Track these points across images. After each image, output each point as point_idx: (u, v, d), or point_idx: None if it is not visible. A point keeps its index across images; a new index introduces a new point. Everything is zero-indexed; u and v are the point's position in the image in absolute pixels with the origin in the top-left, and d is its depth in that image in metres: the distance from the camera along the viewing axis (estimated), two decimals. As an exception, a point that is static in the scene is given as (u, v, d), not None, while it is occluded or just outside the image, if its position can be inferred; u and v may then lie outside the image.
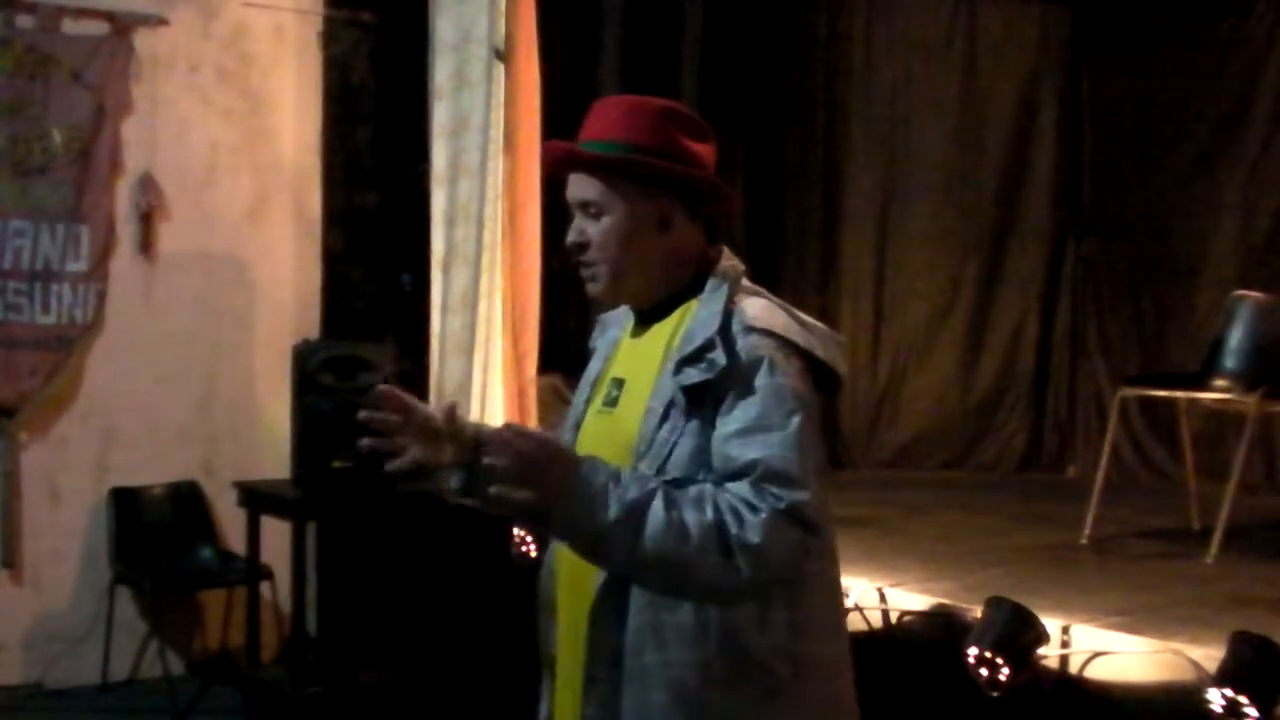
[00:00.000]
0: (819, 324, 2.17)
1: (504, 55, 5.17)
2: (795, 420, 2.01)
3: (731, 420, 2.01)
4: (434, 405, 2.17)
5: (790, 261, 6.98)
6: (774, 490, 1.96)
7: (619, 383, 2.21)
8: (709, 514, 1.94)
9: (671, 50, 6.20)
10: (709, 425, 2.03)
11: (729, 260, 2.20)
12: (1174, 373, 5.50)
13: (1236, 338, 4.95)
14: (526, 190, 5.07)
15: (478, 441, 2.13)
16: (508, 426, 2.04)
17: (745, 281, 2.18)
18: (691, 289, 2.17)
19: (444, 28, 5.52)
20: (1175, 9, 6.77)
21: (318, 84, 6.34)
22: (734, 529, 1.93)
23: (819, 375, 2.11)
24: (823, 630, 2.15)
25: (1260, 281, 5.63)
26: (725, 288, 2.13)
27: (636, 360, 2.20)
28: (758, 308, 2.11)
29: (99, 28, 5.85)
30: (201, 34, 6.08)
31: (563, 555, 2.18)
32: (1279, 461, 6.31)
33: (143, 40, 5.93)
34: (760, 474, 1.96)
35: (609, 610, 2.07)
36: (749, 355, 2.04)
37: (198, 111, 6.08)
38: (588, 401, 2.26)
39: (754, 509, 1.94)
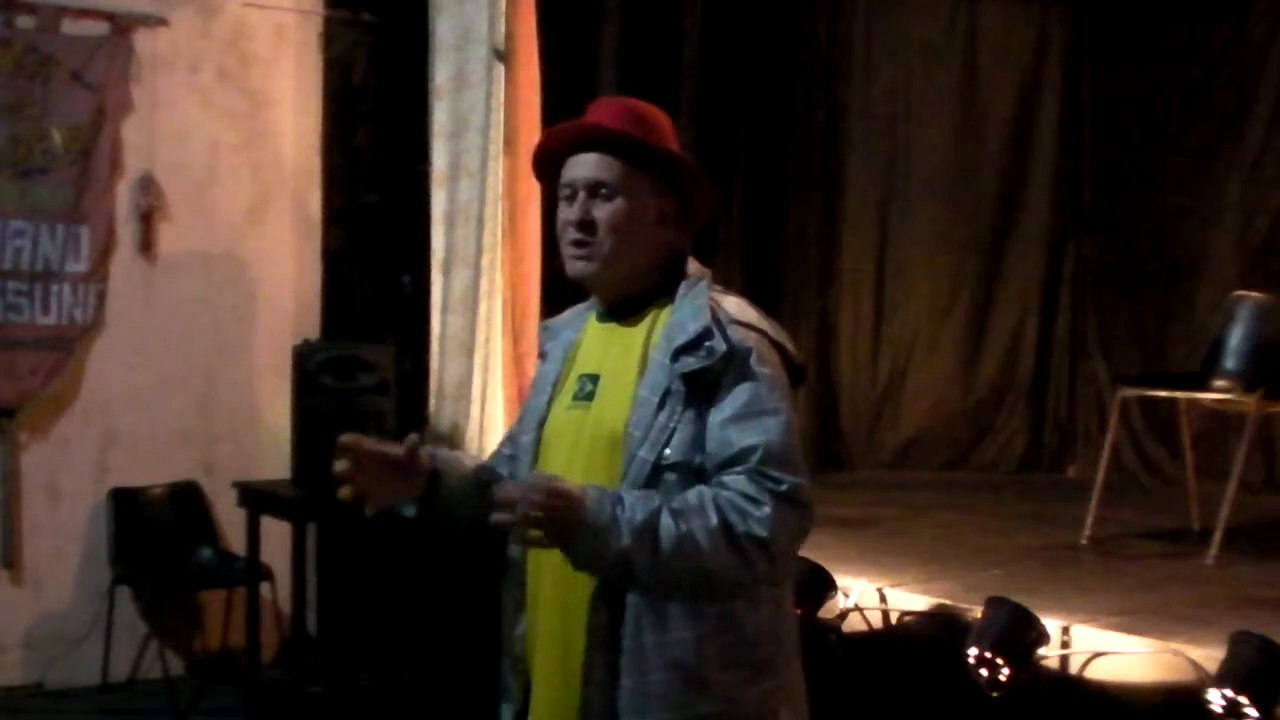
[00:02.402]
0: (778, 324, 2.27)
1: (504, 55, 5.17)
2: (785, 405, 2.12)
3: (726, 406, 2.10)
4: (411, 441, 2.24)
5: (790, 261, 6.97)
6: (774, 474, 2.05)
7: (592, 378, 2.25)
8: (713, 519, 2.02)
9: (671, 50, 6.19)
10: (704, 412, 2.11)
11: (696, 264, 2.29)
12: (1174, 373, 5.50)
13: (1236, 338, 4.95)
14: (526, 190, 5.07)
15: (434, 471, 2.25)
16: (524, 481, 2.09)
17: (714, 284, 2.27)
18: (661, 289, 2.24)
19: (444, 28, 5.52)
20: (1175, 9, 6.77)
21: (318, 84, 6.33)
22: (740, 527, 2.02)
23: (787, 368, 2.21)
24: (791, 612, 2.29)
25: (1260, 281, 5.63)
26: (703, 285, 2.22)
27: (610, 356, 2.25)
28: (735, 305, 2.21)
29: (99, 28, 5.85)
30: (201, 34, 6.08)
31: (544, 551, 2.21)
32: (1279, 461, 6.32)
33: (143, 40, 5.92)
34: (761, 457, 2.05)
35: (608, 594, 2.12)
36: (740, 345, 2.13)
37: (198, 112, 6.08)
38: (550, 400, 2.29)
39: (756, 502, 2.03)
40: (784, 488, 2.04)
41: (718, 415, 2.09)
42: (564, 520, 1.98)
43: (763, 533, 2.01)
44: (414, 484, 2.24)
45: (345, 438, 2.19)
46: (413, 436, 2.24)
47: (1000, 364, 7.32)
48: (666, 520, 2.01)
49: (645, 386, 2.15)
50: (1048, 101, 7.32)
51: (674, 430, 2.10)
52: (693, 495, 2.05)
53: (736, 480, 2.05)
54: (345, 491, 2.17)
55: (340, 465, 2.17)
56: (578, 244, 2.23)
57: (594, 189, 2.22)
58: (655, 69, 5.97)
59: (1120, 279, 7.13)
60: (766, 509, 2.02)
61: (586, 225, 2.22)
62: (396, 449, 2.21)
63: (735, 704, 2.12)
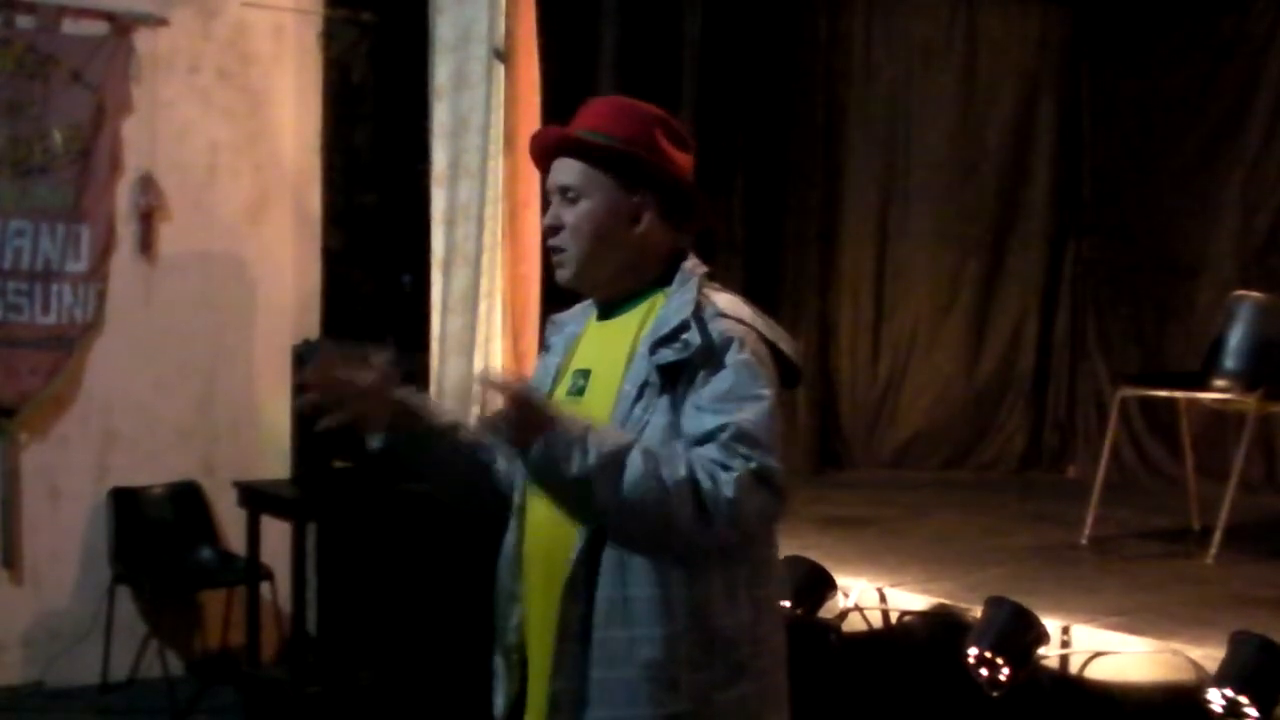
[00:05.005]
0: (776, 324, 2.26)
1: (504, 55, 5.17)
2: (766, 393, 2.09)
3: (704, 393, 2.09)
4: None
5: (790, 261, 6.97)
6: (743, 450, 2.03)
7: (584, 373, 2.26)
8: (682, 470, 2.01)
9: (671, 50, 6.19)
10: (680, 402, 2.10)
11: (694, 261, 2.28)
12: (1174, 373, 5.51)
13: (1236, 338, 4.95)
14: (526, 191, 5.07)
15: (405, 406, 2.24)
16: (490, 374, 2.10)
17: (710, 281, 2.26)
18: (657, 285, 2.24)
19: (444, 28, 5.51)
20: (1174, 8, 6.77)
21: (318, 84, 6.33)
22: (707, 484, 2.00)
23: (780, 368, 2.19)
24: (775, 614, 2.23)
25: (1260, 281, 5.64)
26: (694, 281, 2.22)
27: (602, 351, 2.26)
28: (726, 300, 2.21)
29: (99, 28, 5.85)
30: (201, 34, 6.08)
31: (534, 538, 2.24)
32: (1279, 461, 6.32)
33: (143, 40, 5.92)
34: (731, 434, 2.03)
35: (579, 583, 2.11)
36: (721, 337, 2.12)
37: (198, 111, 6.08)
38: (549, 393, 2.30)
39: (725, 467, 2.02)
40: (754, 464, 2.01)
41: (694, 400, 2.09)
42: (531, 421, 1.98)
43: (729, 493, 1.99)
44: (381, 411, 2.22)
45: (323, 351, 2.23)
46: (381, 355, 2.23)
47: (1000, 364, 7.32)
48: (635, 456, 2.00)
49: (628, 381, 2.16)
50: (1047, 101, 7.31)
51: (648, 421, 2.10)
52: (664, 448, 2.05)
53: (707, 448, 2.04)
54: (310, 398, 2.18)
55: (309, 373, 2.19)
56: (553, 250, 2.27)
57: (562, 193, 2.25)
58: (655, 69, 5.97)
59: (1120, 279, 7.13)
60: (735, 473, 2.00)
61: (554, 230, 2.25)
62: (370, 372, 2.21)
63: (708, 704, 2.09)
